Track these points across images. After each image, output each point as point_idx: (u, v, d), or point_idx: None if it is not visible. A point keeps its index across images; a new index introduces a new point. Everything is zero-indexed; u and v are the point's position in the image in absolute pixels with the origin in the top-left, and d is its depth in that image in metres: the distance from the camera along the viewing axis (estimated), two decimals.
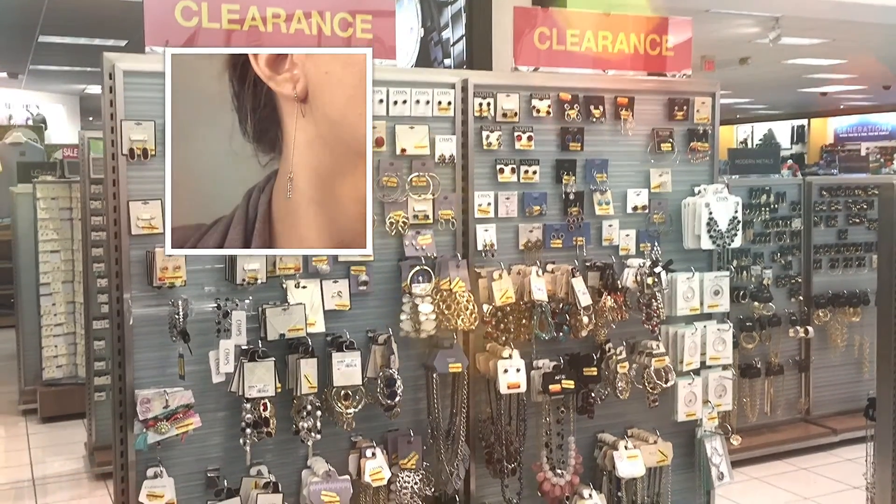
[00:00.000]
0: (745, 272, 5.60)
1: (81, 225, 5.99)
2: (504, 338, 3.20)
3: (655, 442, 3.49)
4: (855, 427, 5.45)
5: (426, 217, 3.20)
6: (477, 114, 3.29)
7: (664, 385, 3.47)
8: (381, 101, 3.11)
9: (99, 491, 5.21)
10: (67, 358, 6.61)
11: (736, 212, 3.61)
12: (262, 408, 2.84)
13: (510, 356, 3.16)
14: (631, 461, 3.38)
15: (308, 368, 2.88)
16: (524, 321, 3.27)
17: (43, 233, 6.51)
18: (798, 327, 5.73)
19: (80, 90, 16.49)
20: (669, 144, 3.63)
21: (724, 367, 3.68)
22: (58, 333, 6.57)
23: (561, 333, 3.29)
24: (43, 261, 6.51)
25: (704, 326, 3.61)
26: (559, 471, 3.34)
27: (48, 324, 6.53)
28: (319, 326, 3.00)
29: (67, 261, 6.56)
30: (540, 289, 3.21)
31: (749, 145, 24.23)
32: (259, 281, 2.89)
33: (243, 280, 2.87)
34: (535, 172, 3.38)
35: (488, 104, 3.30)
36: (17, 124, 13.81)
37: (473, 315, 3.09)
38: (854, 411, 5.70)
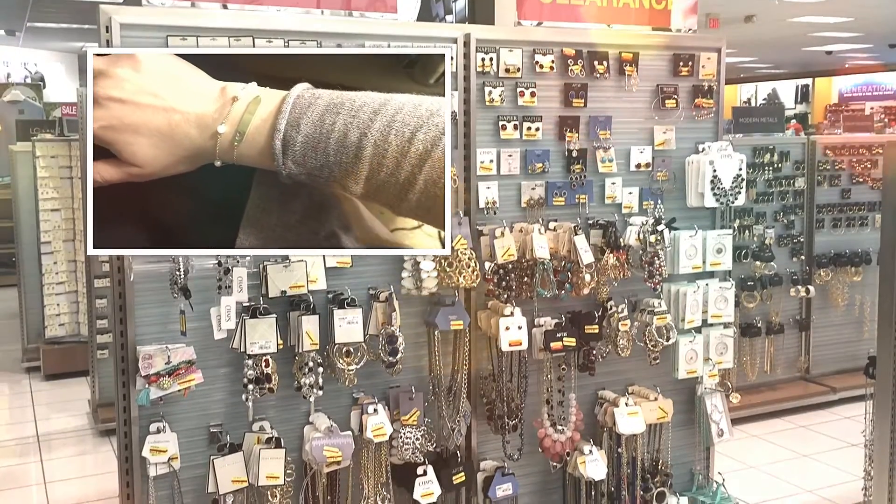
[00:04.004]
0: (747, 232, 5.58)
1: (81, 183, 5.96)
2: (506, 295, 3.19)
3: (656, 399, 3.50)
4: (854, 385, 5.49)
5: None
6: (479, 69, 3.24)
7: (665, 343, 3.47)
8: None
9: (103, 447, 5.26)
10: (69, 316, 6.63)
11: (740, 170, 3.58)
12: (263, 364, 2.85)
13: (512, 314, 3.15)
14: (631, 418, 3.39)
15: (309, 325, 2.88)
16: (526, 279, 3.26)
17: (43, 191, 6.49)
18: (799, 287, 5.74)
19: (79, 48, 16.30)
20: (674, 101, 3.59)
21: (726, 326, 3.69)
22: (59, 292, 6.59)
23: (563, 291, 3.29)
24: (44, 219, 6.51)
25: (706, 284, 3.61)
26: (560, 427, 3.36)
27: (50, 282, 6.54)
28: (321, 283, 2.99)
29: (68, 219, 6.56)
30: (542, 246, 3.19)
31: (752, 105, 24.03)
32: None
33: None
34: (537, 129, 3.35)
35: (490, 59, 3.25)
36: (16, 82, 13.70)
37: (475, 272, 3.08)
38: (853, 370, 5.72)
